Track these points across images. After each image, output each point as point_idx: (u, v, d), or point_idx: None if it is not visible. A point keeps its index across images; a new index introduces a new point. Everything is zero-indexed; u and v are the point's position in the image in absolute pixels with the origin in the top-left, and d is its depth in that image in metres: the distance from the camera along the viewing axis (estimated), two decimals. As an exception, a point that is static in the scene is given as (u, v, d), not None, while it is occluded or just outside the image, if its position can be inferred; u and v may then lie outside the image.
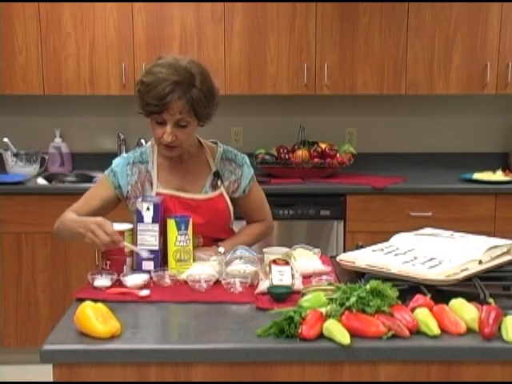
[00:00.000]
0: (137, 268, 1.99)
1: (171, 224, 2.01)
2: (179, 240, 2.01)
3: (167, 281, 1.90)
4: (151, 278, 1.91)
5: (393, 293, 1.60)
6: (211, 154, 2.25)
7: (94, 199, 2.19)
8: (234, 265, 1.94)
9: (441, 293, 1.70)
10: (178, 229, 2.01)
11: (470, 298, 1.64)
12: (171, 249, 2.01)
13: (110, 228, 1.89)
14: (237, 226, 2.35)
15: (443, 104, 4.14)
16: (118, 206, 2.24)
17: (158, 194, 2.15)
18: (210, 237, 2.21)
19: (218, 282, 1.89)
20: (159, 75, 1.99)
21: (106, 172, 2.22)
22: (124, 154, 2.29)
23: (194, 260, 2.04)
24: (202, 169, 2.22)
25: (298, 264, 1.95)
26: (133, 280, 1.87)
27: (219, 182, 2.21)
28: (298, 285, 1.80)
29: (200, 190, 2.19)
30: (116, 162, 2.23)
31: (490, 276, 1.85)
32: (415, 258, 1.88)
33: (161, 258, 2.01)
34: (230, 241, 2.23)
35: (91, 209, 2.16)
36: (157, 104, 1.99)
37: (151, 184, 2.18)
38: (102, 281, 1.86)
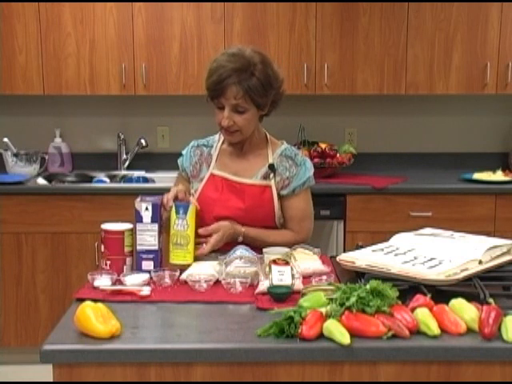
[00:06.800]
0: (137, 268, 1.99)
1: (172, 209, 2.05)
2: (177, 223, 2.04)
3: (167, 281, 1.91)
4: (151, 277, 1.92)
5: (393, 293, 1.60)
6: (273, 148, 2.34)
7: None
8: (234, 265, 1.94)
9: (441, 293, 1.69)
10: (177, 212, 2.04)
11: (470, 298, 1.64)
12: (170, 232, 2.04)
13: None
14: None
15: (443, 104, 4.14)
16: None
17: (212, 174, 2.30)
18: (250, 224, 2.25)
19: (218, 281, 1.89)
20: (220, 63, 2.15)
21: (180, 158, 2.42)
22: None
23: (193, 256, 2.04)
24: (260, 160, 2.32)
25: (297, 264, 1.95)
26: (133, 280, 1.87)
27: (271, 175, 2.28)
28: (298, 285, 1.80)
29: (251, 177, 2.28)
30: (188, 147, 2.42)
31: (489, 276, 1.85)
32: (415, 258, 1.88)
33: (160, 257, 2.02)
34: (256, 229, 2.24)
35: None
36: (213, 89, 2.14)
37: (209, 166, 2.32)
38: (102, 281, 1.87)
